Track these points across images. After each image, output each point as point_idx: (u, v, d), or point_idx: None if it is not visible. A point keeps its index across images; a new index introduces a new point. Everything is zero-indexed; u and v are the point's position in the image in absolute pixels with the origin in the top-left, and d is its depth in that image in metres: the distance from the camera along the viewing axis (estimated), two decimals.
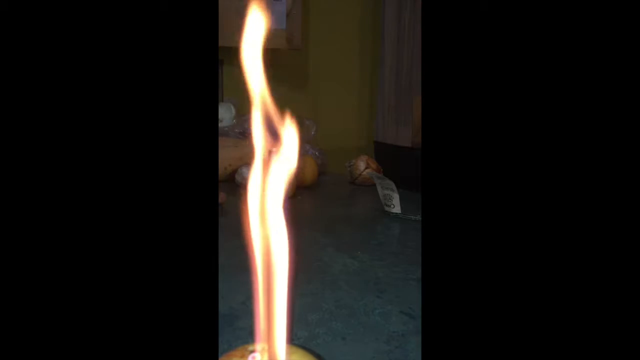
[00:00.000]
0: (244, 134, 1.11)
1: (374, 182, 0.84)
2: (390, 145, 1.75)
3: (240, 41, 0.20)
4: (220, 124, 1.17)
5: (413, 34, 1.72)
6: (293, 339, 0.37)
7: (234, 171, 1.01)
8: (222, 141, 1.05)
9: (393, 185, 0.78)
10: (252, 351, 0.22)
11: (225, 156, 1.02)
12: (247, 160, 1.01)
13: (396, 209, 0.78)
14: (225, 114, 1.20)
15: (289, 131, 0.21)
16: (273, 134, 0.21)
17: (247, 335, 0.38)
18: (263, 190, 0.20)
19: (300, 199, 0.93)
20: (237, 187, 0.95)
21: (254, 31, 0.21)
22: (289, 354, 0.22)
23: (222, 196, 0.77)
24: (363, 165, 1.04)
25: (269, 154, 0.20)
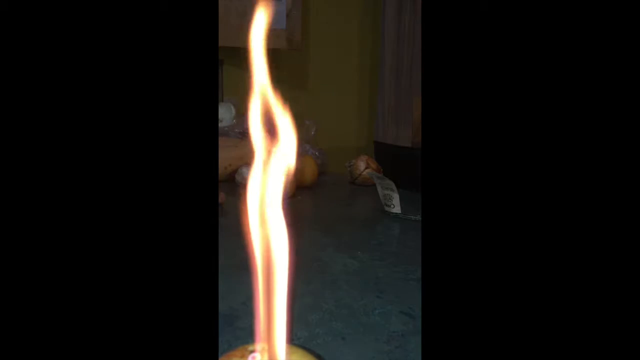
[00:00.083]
0: (244, 134, 1.11)
1: (374, 182, 0.84)
2: (390, 145, 1.75)
3: (247, 41, 0.20)
4: (220, 124, 1.17)
5: (413, 34, 1.72)
6: (293, 339, 0.37)
7: (234, 171, 1.01)
8: (222, 141, 1.05)
9: (393, 185, 0.78)
10: (252, 351, 0.22)
11: (225, 156, 1.02)
12: (247, 160, 1.01)
13: (396, 209, 0.78)
14: (225, 114, 1.20)
15: (287, 129, 0.21)
16: (271, 132, 0.21)
17: (247, 335, 0.38)
18: (263, 190, 0.20)
19: (300, 199, 0.93)
20: (237, 187, 0.95)
21: (259, 31, 0.21)
22: (289, 354, 0.22)
23: (222, 196, 0.77)
24: (363, 165, 1.04)
25: (268, 153, 0.20)
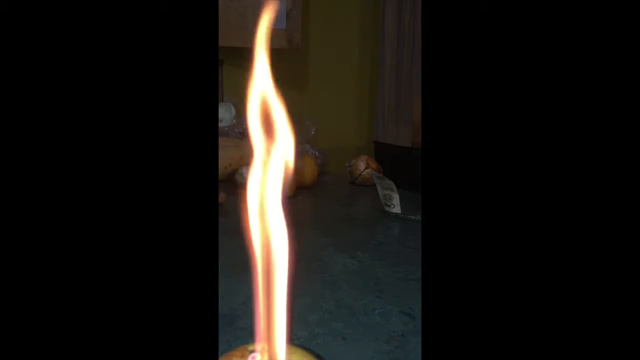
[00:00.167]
0: (244, 134, 1.11)
1: (374, 182, 0.84)
2: (390, 145, 1.75)
3: (251, 41, 0.20)
4: (220, 124, 1.17)
5: (413, 34, 1.72)
6: (293, 339, 0.37)
7: (234, 171, 1.01)
8: (222, 141, 1.05)
9: (393, 185, 0.78)
10: (252, 351, 0.22)
11: (225, 156, 1.02)
12: (247, 160, 1.01)
13: (396, 209, 0.78)
14: (225, 114, 1.20)
15: (286, 129, 0.21)
16: (270, 132, 0.21)
17: (247, 335, 0.38)
18: (263, 190, 0.20)
19: (300, 199, 0.93)
20: (237, 187, 0.95)
21: (262, 31, 0.21)
22: (289, 354, 0.22)
23: (222, 196, 0.77)
24: (363, 165, 1.04)
25: (268, 153, 0.20)
